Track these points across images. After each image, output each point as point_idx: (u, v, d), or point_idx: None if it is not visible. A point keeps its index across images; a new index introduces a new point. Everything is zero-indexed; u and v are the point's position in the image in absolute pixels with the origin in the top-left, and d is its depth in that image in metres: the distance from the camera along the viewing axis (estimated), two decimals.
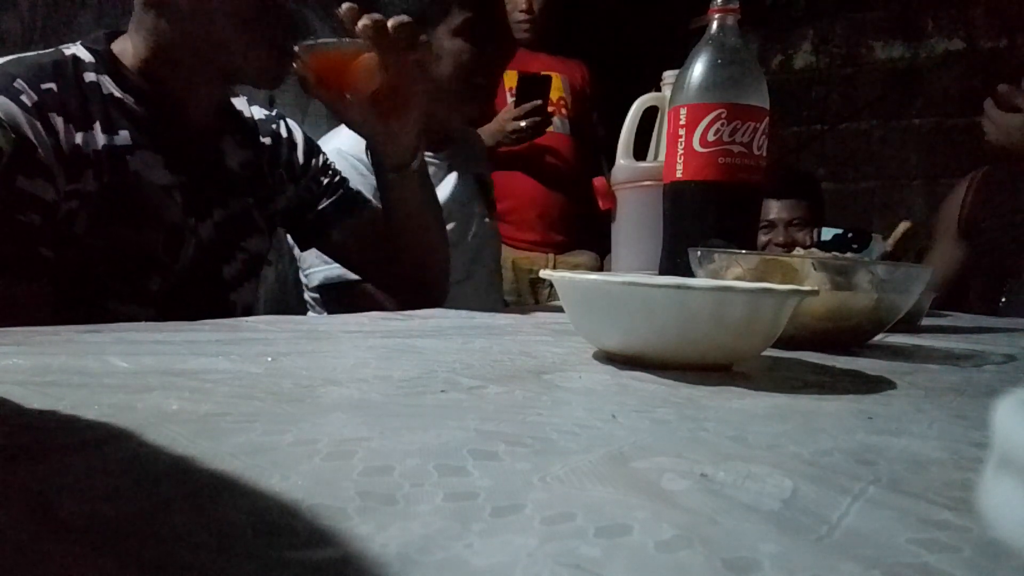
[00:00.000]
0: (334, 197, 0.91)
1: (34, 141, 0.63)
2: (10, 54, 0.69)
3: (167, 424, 0.23)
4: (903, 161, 2.66)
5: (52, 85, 0.66)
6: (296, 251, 1.09)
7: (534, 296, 1.76)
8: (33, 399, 0.25)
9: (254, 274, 0.84)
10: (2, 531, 0.15)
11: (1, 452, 0.19)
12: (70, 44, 0.71)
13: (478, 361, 0.39)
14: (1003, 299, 1.30)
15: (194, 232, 0.75)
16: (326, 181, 0.91)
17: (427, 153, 1.12)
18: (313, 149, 0.91)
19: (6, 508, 0.16)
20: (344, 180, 0.93)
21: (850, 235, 1.48)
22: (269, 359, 0.36)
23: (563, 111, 1.89)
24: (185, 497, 0.17)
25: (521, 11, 1.85)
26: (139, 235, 0.70)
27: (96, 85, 0.69)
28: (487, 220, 1.22)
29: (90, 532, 0.15)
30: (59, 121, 0.65)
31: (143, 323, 0.49)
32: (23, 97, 0.63)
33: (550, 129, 1.71)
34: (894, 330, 0.58)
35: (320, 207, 0.90)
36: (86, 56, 0.70)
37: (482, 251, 1.21)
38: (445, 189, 1.13)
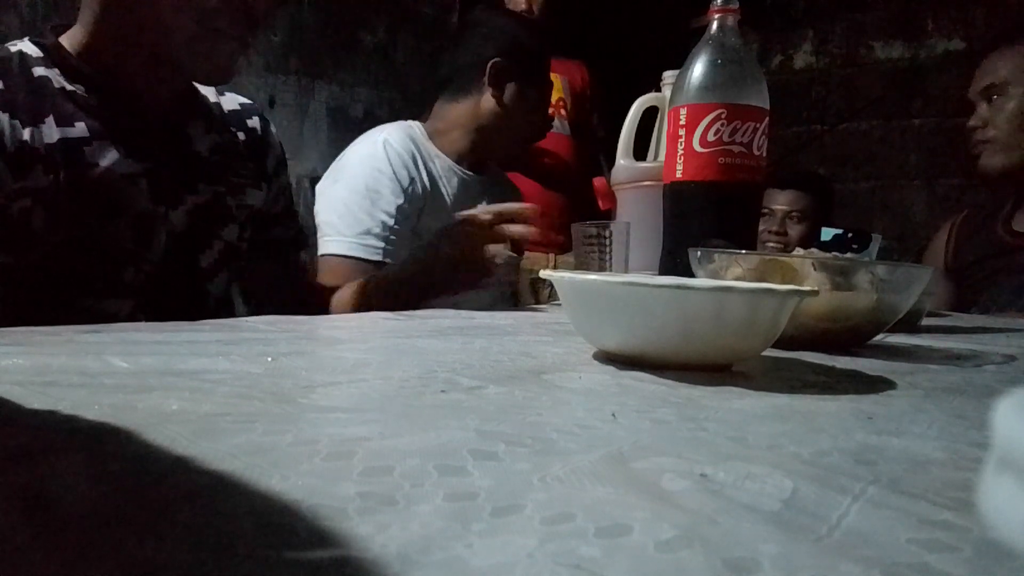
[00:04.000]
0: (287, 228, 0.90)
1: None
2: None
3: (167, 424, 0.23)
4: (903, 161, 2.66)
5: None
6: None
7: (534, 296, 1.76)
8: (33, 399, 0.25)
9: (227, 266, 0.82)
10: (2, 531, 0.15)
11: (1, 452, 0.19)
12: (16, 40, 0.70)
13: (478, 361, 0.39)
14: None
15: (165, 220, 0.73)
16: (283, 206, 0.90)
17: (467, 172, 1.24)
18: (282, 162, 0.90)
19: (6, 508, 0.16)
20: (296, 216, 0.92)
21: (850, 235, 1.48)
22: (269, 359, 0.36)
23: (563, 112, 1.89)
24: (185, 497, 0.17)
25: (521, 11, 1.85)
26: (105, 227, 0.68)
27: (46, 79, 0.67)
28: (508, 255, 1.30)
29: (90, 532, 0.15)
30: (4, 118, 0.63)
31: (143, 323, 0.49)
32: None
33: (550, 130, 1.71)
34: (894, 330, 0.58)
35: (271, 234, 0.88)
36: (33, 51, 0.69)
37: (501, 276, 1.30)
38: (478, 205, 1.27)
